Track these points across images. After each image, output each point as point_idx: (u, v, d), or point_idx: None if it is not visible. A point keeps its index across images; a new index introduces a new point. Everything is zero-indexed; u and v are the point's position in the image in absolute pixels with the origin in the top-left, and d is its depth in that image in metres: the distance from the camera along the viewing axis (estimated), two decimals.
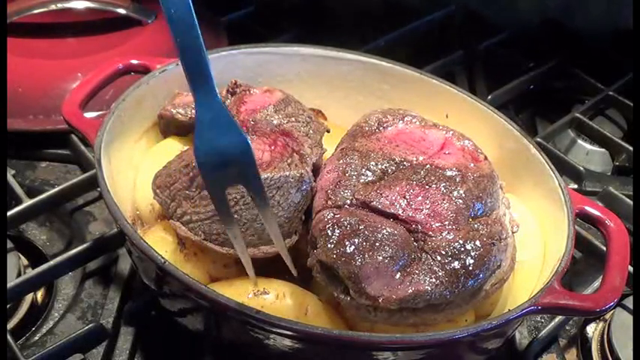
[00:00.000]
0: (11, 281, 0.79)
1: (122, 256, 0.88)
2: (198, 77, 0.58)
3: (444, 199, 0.70)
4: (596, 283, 0.88)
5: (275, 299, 0.68)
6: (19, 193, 0.91)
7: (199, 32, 0.57)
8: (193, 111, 0.72)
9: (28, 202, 0.89)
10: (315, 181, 0.73)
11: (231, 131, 0.59)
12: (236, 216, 0.68)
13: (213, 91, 0.58)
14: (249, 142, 0.60)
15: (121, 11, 1.10)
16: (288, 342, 0.62)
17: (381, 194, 0.70)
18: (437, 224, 0.68)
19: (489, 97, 1.17)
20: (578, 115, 1.17)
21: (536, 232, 0.80)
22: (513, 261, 0.71)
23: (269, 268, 0.71)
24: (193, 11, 0.56)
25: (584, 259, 0.96)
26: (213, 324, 0.69)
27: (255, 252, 0.70)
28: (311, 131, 0.79)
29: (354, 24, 1.37)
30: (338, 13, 1.38)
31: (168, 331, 0.78)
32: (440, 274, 0.64)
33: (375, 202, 0.69)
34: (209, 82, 0.58)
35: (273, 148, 0.74)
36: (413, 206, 0.69)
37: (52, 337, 0.80)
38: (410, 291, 0.63)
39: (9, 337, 0.75)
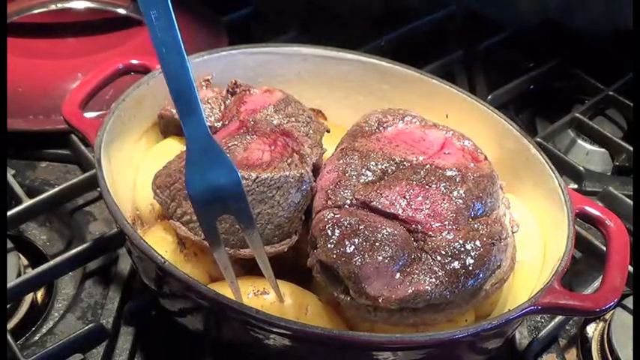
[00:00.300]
0: (11, 281, 0.79)
1: (122, 256, 0.88)
2: (187, 110, 0.59)
3: (444, 199, 0.70)
4: (596, 283, 0.88)
5: (275, 299, 0.68)
6: (19, 193, 0.91)
7: (189, 66, 0.58)
8: None
9: (28, 202, 0.88)
10: (315, 181, 0.73)
11: (221, 163, 0.61)
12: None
13: (202, 122, 0.59)
14: (239, 175, 0.61)
15: (121, 11, 1.10)
16: (288, 342, 0.62)
17: (381, 194, 0.70)
18: (437, 224, 0.68)
19: (489, 97, 1.17)
20: (578, 115, 1.17)
21: (536, 232, 0.80)
22: (513, 261, 0.71)
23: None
24: (182, 45, 0.57)
25: (584, 259, 0.96)
26: (213, 324, 0.69)
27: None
28: (311, 131, 0.80)
29: (354, 24, 1.37)
30: (338, 13, 1.38)
31: (168, 331, 0.78)
32: (440, 274, 0.64)
33: (375, 202, 0.69)
34: (198, 114, 0.59)
35: (273, 148, 0.73)
36: (413, 206, 0.69)
37: (52, 337, 0.80)
38: (410, 291, 0.63)
39: (9, 337, 0.75)
